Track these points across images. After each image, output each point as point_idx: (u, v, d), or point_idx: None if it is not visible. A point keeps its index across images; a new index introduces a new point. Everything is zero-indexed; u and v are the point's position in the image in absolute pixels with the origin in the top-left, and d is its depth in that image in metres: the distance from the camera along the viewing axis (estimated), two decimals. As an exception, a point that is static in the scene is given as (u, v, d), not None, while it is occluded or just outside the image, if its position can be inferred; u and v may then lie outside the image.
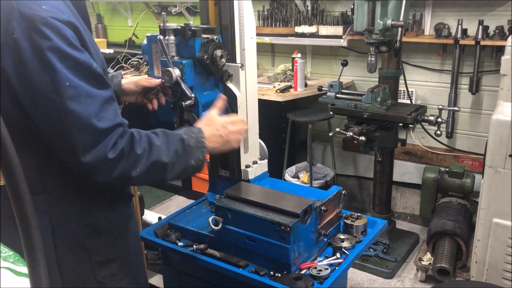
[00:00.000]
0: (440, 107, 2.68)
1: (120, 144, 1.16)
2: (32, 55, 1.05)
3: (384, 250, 3.13)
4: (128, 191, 1.45)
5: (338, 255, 1.69)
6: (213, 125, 1.43)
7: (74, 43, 1.10)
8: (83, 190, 1.29)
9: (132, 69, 4.30)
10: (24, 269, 0.74)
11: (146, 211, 3.24)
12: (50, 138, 1.15)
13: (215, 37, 1.59)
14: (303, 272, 1.60)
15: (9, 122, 1.12)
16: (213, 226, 1.66)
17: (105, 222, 1.34)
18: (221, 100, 1.55)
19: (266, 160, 1.93)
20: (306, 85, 3.63)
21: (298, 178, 3.74)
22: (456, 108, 2.96)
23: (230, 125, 1.47)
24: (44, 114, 1.10)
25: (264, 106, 2.78)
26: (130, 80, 1.65)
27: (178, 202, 4.22)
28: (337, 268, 1.61)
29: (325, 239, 1.74)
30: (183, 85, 1.53)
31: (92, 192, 1.30)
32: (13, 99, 1.11)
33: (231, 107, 1.74)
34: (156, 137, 1.26)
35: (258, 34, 3.43)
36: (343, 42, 3.52)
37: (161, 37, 1.54)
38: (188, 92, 1.52)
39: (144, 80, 1.64)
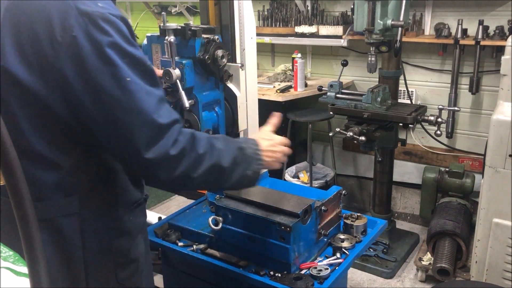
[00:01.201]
0: (440, 107, 2.68)
1: (181, 142, 1.15)
2: (92, 52, 1.04)
3: (384, 250, 3.13)
4: (145, 193, 1.46)
5: (338, 255, 1.69)
6: (265, 140, 1.44)
7: (130, 39, 1.10)
8: (111, 192, 1.29)
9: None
10: (24, 269, 0.74)
11: (146, 211, 3.23)
12: (109, 137, 1.12)
13: (216, 37, 1.59)
14: (303, 272, 1.60)
15: (55, 123, 1.12)
16: (213, 226, 1.66)
17: (128, 223, 1.34)
18: (276, 118, 1.57)
19: (266, 160, 1.93)
20: (306, 85, 3.63)
21: (298, 178, 3.74)
22: (456, 108, 2.96)
23: (278, 144, 1.48)
24: (105, 110, 1.08)
25: (264, 106, 2.78)
26: None
27: (178, 202, 4.22)
28: (337, 268, 1.61)
29: (325, 239, 1.74)
30: (180, 91, 1.51)
31: (119, 194, 1.31)
32: (64, 99, 1.09)
33: (231, 107, 1.74)
34: (216, 140, 1.26)
35: (258, 34, 3.43)
36: (343, 42, 3.52)
37: (172, 39, 1.53)
38: (185, 101, 1.51)
39: None
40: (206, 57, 1.55)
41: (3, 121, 0.62)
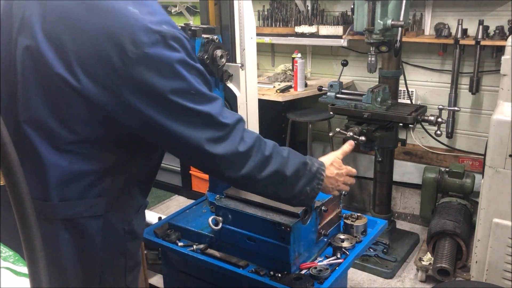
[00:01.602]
0: (440, 107, 2.68)
1: (248, 139, 1.20)
2: (164, 68, 1.07)
3: (384, 250, 3.13)
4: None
5: (338, 255, 1.69)
6: (334, 167, 1.45)
7: (192, 54, 1.15)
8: (130, 196, 1.30)
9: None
10: (24, 269, 0.74)
11: (146, 211, 3.23)
12: (178, 137, 1.14)
13: (215, 37, 1.59)
14: (303, 272, 1.60)
15: (109, 127, 1.13)
16: (213, 226, 1.66)
17: (137, 227, 1.36)
18: (349, 146, 1.58)
19: (266, 160, 1.93)
20: (306, 85, 3.63)
21: (298, 178, 3.73)
22: (456, 108, 2.96)
23: (345, 174, 1.48)
24: (173, 119, 1.11)
25: (264, 106, 2.78)
26: None
27: (178, 202, 4.22)
28: (337, 268, 1.61)
29: (325, 239, 1.74)
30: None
31: (134, 198, 1.32)
32: (123, 109, 1.09)
33: (231, 107, 1.74)
34: (282, 149, 1.29)
35: (258, 34, 3.43)
36: (343, 42, 3.52)
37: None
38: None
39: None
40: (205, 57, 1.55)
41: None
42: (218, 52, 1.58)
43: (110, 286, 1.29)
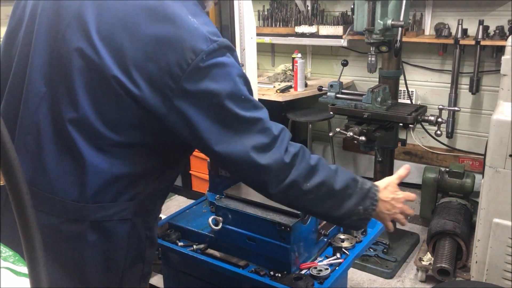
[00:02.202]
0: (440, 107, 2.68)
1: (292, 149, 1.18)
2: (220, 73, 1.09)
3: (384, 250, 3.13)
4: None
5: (338, 255, 1.69)
6: (389, 191, 1.39)
7: (239, 63, 1.18)
8: (155, 201, 1.31)
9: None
10: (24, 269, 0.74)
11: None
12: (223, 147, 1.14)
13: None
14: (303, 272, 1.60)
15: (151, 131, 1.14)
16: (213, 226, 1.66)
17: (155, 233, 1.36)
18: (405, 170, 1.51)
19: (266, 160, 1.93)
20: (306, 85, 3.63)
21: (298, 178, 3.74)
22: (456, 108, 2.96)
23: (401, 201, 1.40)
24: (221, 122, 1.11)
25: (264, 106, 2.77)
26: None
27: (178, 202, 4.22)
28: (337, 268, 1.61)
29: (325, 239, 1.74)
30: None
31: (159, 204, 1.34)
32: (169, 112, 1.10)
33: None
34: (329, 164, 1.27)
35: (258, 34, 3.43)
36: (343, 42, 3.52)
37: None
38: None
39: None
40: None
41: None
42: None
43: None
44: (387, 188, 1.39)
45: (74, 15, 1.12)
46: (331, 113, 2.89)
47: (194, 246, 1.76)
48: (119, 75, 1.07)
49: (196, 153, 4.23)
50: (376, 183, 1.40)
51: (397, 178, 1.47)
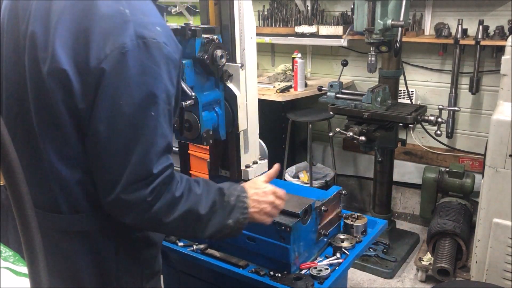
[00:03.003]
0: (440, 107, 2.68)
1: (160, 186, 1.11)
2: (136, 75, 1.04)
3: (384, 250, 3.13)
4: None
5: (338, 255, 1.69)
6: (258, 189, 1.34)
7: (173, 77, 1.11)
8: None
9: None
10: (24, 269, 0.74)
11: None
12: (106, 157, 1.09)
13: (215, 37, 1.59)
14: (303, 272, 1.60)
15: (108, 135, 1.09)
16: (213, 226, 1.66)
17: (153, 234, 1.33)
18: (274, 169, 1.46)
19: (266, 160, 1.93)
20: (306, 85, 3.63)
21: (298, 178, 3.74)
22: (456, 108, 2.96)
23: (270, 194, 1.35)
24: (119, 132, 1.06)
25: (264, 106, 2.78)
26: None
27: (178, 202, 4.21)
28: (337, 268, 1.61)
29: (325, 239, 1.74)
30: (183, 85, 1.52)
31: None
32: (86, 108, 1.07)
33: (231, 107, 1.74)
34: (196, 185, 1.19)
35: (258, 34, 3.42)
36: (343, 42, 3.52)
37: None
38: (188, 91, 1.52)
39: None
40: (205, 56, 1.54)
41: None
42: (218, 52, 1.58)
43: None
44: (251, 187, 1.34)
45: (29, 12, 1.12)
46: (331, 113, 2.89)
47: (194, 246, 1.76)
48: (68, 69, 1.06)
49: (196, 153, 4.23)
50: (244, 184, 1.35)
51: (265, 175, 1.43)
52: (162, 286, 2.03)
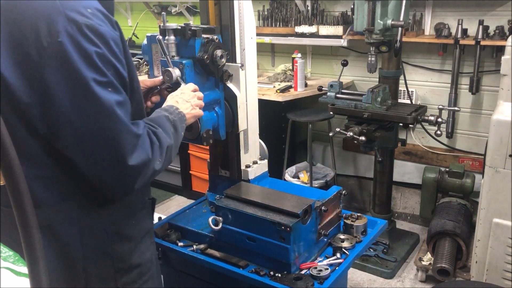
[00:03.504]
0: (440, 107, 2.68)
1: (148, 145, 1.21)
2: (80, 59, 1.06)
3: (384, 250, 3.13)
4: (151, 196, 1.46)
5: (338, 255, 1.69)
6: (175, 96, 1.47)
7: (116, 53, 1.13)
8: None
9: (132, 69, 4.29)
10: (24, 269, 0.74)
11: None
12: (91, 147, 1.12)
13: (215, 37, 1.59)
14: (303, 272, 1.60)
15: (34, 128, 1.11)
16: (213, 226, 1.66)
17: (130, 228, 1.33)
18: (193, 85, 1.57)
19: (266, 160, 1.93)
20: (306, 85, 3.63)
21: (298, 178, 3.74)
22: (456, 108, 2.96)
23: (189, 91, 1.50)
24: (89, 117, 1.09)
25: (264, 106, 2.78)
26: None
27: (178, 202, 4.22)
28: (337, 268, 1.61)
29: (325, 239, 1.74)
30: (183, 85, 1.52)
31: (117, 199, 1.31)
32: (43, 111, 1.08)
33: (231, 107, 1.74)
34: (152, 126, 1.28)
35: (258, 34, 3.42)
36: (343, 42, 3.52)
37: (160, 37, 1.54)
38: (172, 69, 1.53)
39: (148, 80, 1.64)
40: (205, 57, 1.54)
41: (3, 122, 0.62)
42: (218, 52, 1.58)
43: (97, 286, 1.28)
44: (174, 96, 1.48)
45: None
46: (331, 113, 2.89)
47: (194, 246, 1.76)
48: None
49: (196, 153, 4.22)
50: (167, 100, 1.48)
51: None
52: (162, 286, 2.03)
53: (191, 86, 1.53)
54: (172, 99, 1.47)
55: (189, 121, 1.47)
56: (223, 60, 1.61)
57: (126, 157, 1.13)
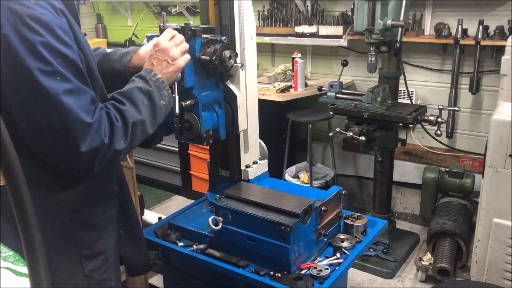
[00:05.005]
0: (440, 107, 2.68)
1: (106, 128, 1.19)
2: (24, 50, 1.06)
3: (384, 250, 3.13)
4: (116, 188, 1.47)
5: (338, 255, 1.69)
6: (151, 56, 1.39)
7: (65, 40, 1.13)
8: (74, 186, 1.30)
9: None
10: (24, 269, 0.74)
11: (146, 211, 3.24)
12: (43, 136, 1.14)
13: (223, 37, 1.58)
14: (303, 272, 1.60)
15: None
16: (213, 226, 1.66)
17: (96, 217, 1.36)
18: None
19: (266, 160, 1.93)
20: (306, 85, 3.63)
21: (298, 178, 3.74)
22: (456, 108, 2.96)
23: (163, 42, 1.39)
24: (38, 107, 1.10)
25: (264, 106, 2.78)
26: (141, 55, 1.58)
27: (178, 202, 4.22)
28: (337, 268, 1.61)
29: (325, 239, 1.74)
30: (174, 95, 1.46)
31: (83, 188, 1.32)
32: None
33: (231, 107, 1.74)
34: (120, 103, 1.26)
35: (258, 34, 3.42)
36: (343, 42, 3.52)
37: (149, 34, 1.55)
38: (176, 106, 1.47)
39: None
40: (214, 58, 1.53)
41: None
42: (227, 53, 1.57)
43: (65, 274, 1.30)
44: (151, 57, 1.39)
45: None
46: (331, 113, 2.89)
47: (194, 246, 1.76)
48: None
49: (196, 153, 4.22)
50: (145, 64, 1.40)
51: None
52: (162, 286, 2.03)
53: (167, 35, 1.41)
54: (149, 60, 1.39)
55: (172, 79, 1.40)
56: (232, 61, 1.60)
57: (78, 144, 1.13)
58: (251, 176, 1.84)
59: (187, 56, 1.44)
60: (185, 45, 1.44)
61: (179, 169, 4.20)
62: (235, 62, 1.63)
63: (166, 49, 1.38)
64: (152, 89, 1.31)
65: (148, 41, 1.69)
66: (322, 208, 1.65)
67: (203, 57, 1.55)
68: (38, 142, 1.15)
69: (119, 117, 1.23)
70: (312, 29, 3.63)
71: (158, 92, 1.33)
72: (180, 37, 1.43)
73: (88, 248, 1.34)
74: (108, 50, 1.62)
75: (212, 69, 1.61)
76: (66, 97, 1.11)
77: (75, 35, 1.18)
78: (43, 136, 1.14)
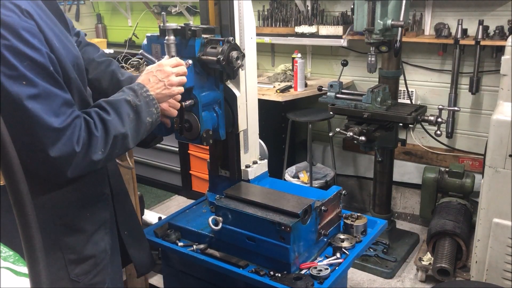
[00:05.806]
0: (440, 107, 2.68)
1: (81, 136, 1.17)
2: None
3: (384, 250, 3.13)
4: (108, 188, 1.45)
5: (338, 255, 1.69)
6: (150, 72, 1.38)
7: (32, 43, 1.10)
8: (59, 190, 1.28)
9: (132, 69, 4.30)
10: (24, 269, 0.74)
11: (146, 211, 3.24)
12: (13, 137, 1.12)
13: (231, 38, 1.58)
14: (303, 272, 1.60)
15: None
16: (213, 226, 1.66)
17: (82, 220, 1.33)
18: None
19: (266, 160, 1.93)
20: (306, 85, 3.63)
21: (298, 178, 3.74)
22: (456, 108, 2.96)
23: (167, 67, 1.39)
24: (5, 112, 1.08)
25: (264, 106, 2.78)
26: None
27: (178, 202, 4.22)
28: (337, 268, 1.61)
29: (325, 239, 1.74)
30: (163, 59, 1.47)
31: (69, 192, 1.30)
32: None
33: (231, 107, 1.74)
34: (105, 112, 1.24)
35: (258, 34, 3.43)
36: (343, 42, 3.52)
37: (142, 51, 1.56)
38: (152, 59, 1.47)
39: None
40: (221, 58, 1.52)
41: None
42: (234, 54, 1.56)
43: (50, 279, 1.28)
44: (147, 74, 1.38)
45: None
46: (331, 113, 2.89)
47: (194, 246, 1.76)
48: None
49: (196, 153, 4.21)
50: (139, 79, 1.39)
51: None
52: (162, 286, 2.03)
53: (172, 61, 1.42)
54: (146, 76, 1.37)
55: (162, 101, 1.37)
56: (239, 61, 1.60)
57: (46, 149, 1.11)
58: (251, 176, 1.84)
59: (181, 89, 1.43)
60: (184, 79, 1.44)
61: (179, 169, 4.20)
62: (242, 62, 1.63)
63: (168, 73, 1.38)
64: (141, 104, 1.30)
65: (148, 41, 1.69)
66: (322, 208, 1.65)
67: (210, 57, 1.55)
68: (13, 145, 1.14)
69: (101, 127, 1.21)
70: (312, 29, 3.63)
71: (146, 108, 1.31)
72: (184, 69, 1.44)
73: (75, 252, 1.32)
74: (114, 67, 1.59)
75: (212, 69, 1.61)
76: (31, 102, 1.08)
77: (46, 37, 1.15)
78: (13, 140, 1.12)
